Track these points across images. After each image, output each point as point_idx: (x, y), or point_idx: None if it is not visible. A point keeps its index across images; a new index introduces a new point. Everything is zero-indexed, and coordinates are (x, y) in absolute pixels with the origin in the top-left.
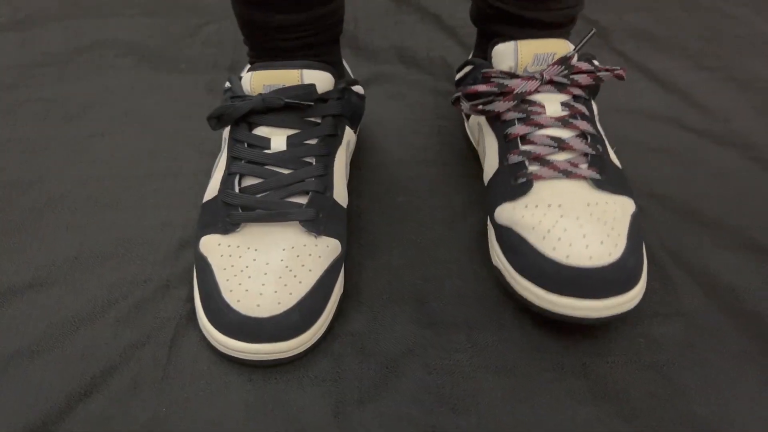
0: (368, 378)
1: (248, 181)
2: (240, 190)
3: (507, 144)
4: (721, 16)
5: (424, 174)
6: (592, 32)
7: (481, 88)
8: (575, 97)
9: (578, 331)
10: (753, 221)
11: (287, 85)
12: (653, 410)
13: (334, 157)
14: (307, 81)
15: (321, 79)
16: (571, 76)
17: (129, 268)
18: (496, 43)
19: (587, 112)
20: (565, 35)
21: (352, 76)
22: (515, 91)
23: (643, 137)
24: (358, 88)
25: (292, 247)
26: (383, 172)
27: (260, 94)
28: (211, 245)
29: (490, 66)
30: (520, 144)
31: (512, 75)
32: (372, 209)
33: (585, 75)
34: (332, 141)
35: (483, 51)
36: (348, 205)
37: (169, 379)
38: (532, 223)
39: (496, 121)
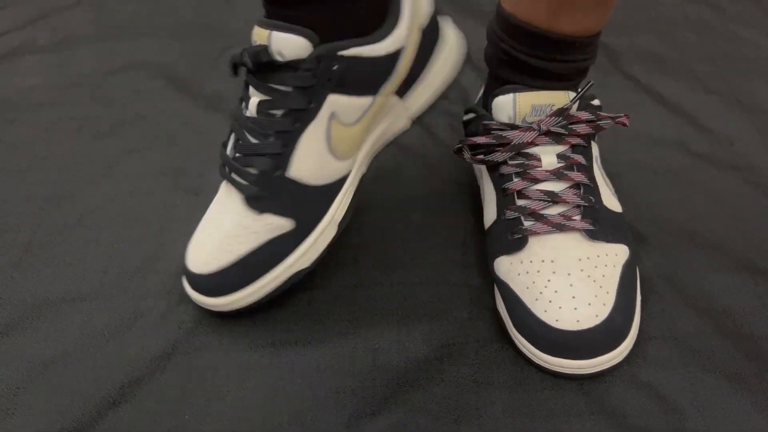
0: (380, 390)
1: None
2: (228, 146)
3: (504, 198)
4: (731, 38)
5: (440, 193)
6: (590, 84)
7: (481, 140)
8: (573, 147)
9: None
10: (751, 244)
11: (259, 43)
12: (646, 426)
13: (301, 132)
14: (273, 45)
15: (289, 45)
16: (570, 126)
17: (154, 281)
18: (496, 95)
19: (584, 161)
20: (572, 87)
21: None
22: (513, 143)
23: (648, 159)
24: (373, 48)
25: (238, 214)
26: (398, 190)
27: (244, 49)
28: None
29: (491, 118)
30: (516, 199)
31: (511, 126)
32: (386, 226)
33: (584, 124)
34: (300, 115)
35: (490, 93)
36: (362, 222)
37: (192, 387)
38: (526, 282)
39: (494, 173)
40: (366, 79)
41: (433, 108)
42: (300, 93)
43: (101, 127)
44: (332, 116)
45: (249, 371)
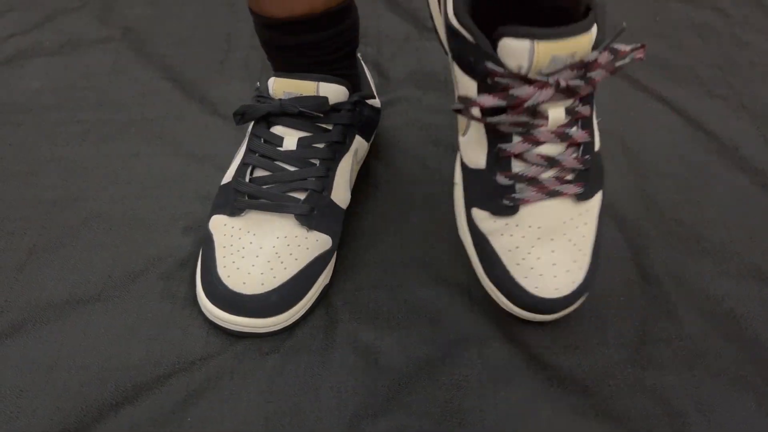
0: (382, 392)
1: (259, 173)
2: (250, 179)
3: (499, 161)
4: (736, 43)
5: (437, 193)
6: (622, 29)
7: (489, 101)
8: (582, 99)
9: (582, 354)
10: (757, 248)
11: (304, 94)
12: (650, 429)
13: (338, 162)
14: (322, 93)
15: (335, 92)
16: (588, 74)
17: (158, 284)
18: (505, 34)
19: (589, 112)
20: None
21: (373, 88)
22: (526, 104)
23: (654, 162)
24: (374, 102)
25: (285, 237)
26: (397, 191)
27: (279, 99)
28: (218, 224)
29: (499, 61)
30: (512, 164)
31: (523, 78)
32: (386, 229)
33: (602, 70)
34: (339, 147)
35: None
36: (361, 224)
37: (194, 389)
38: (508, 245)
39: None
40: (372, 125)
41: (433, 108)
42: (339, 130)
43: (107, 130)
44: (355, 152)
45: (251, 373)
